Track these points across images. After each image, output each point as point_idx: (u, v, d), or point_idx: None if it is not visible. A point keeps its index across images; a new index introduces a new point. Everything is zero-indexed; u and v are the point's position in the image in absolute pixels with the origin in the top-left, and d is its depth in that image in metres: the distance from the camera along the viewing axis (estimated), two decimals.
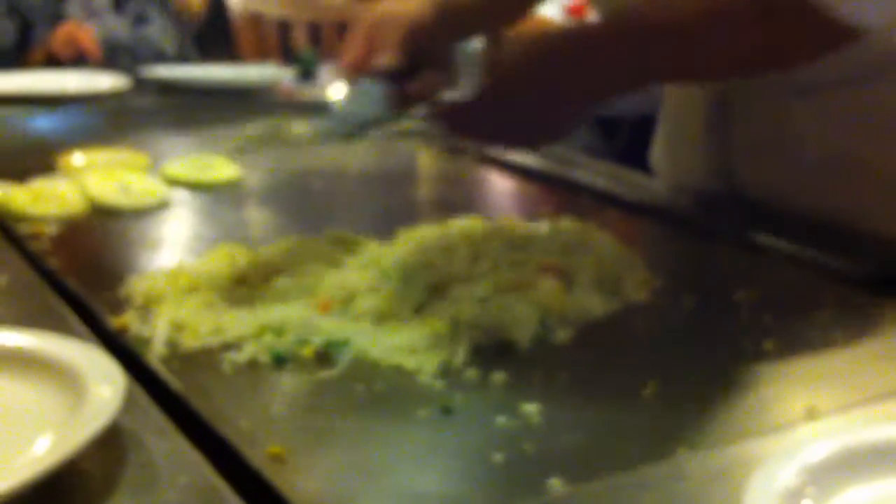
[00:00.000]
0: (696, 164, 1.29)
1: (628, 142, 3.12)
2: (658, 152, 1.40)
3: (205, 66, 2.37)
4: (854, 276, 1.01)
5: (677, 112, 1.34)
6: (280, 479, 0.62)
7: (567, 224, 1.10)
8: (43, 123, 1.81)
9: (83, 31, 2.50)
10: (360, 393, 0.75)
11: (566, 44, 0.98)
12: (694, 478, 0.60)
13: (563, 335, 0.85)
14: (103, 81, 2.05)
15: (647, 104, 2.75)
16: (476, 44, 2.36)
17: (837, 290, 0.99)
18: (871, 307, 0.95)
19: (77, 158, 1.42)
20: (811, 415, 0.70)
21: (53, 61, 2.47)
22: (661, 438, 0.68)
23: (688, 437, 0.67)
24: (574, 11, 2.52)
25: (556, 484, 0.61)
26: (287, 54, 3.04)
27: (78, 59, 2.45)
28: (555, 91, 0.97)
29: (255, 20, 3.30)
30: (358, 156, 1.69)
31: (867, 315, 0.94)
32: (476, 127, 1.04)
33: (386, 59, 1.07)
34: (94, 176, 1.31)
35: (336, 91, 1.12)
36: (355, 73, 1.09)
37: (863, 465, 0.55)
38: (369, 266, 0.93)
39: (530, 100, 0.97)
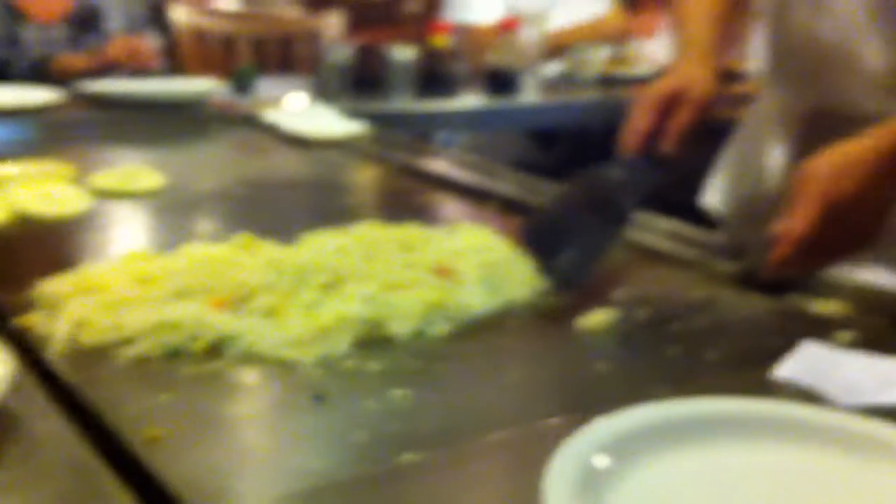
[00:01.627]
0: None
1: (565, 154, 3.20)
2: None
3: (138, 79, 2.41)
4: (721, 274, 1.09)
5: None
6: (154, 458, 0.67)
7: (463, 228, 1.16)
8: None
9: (141, 42, 2.66)
10: (244, 383, 0.81)
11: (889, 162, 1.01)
12: (531, 445, 0.66)
13: (442, 330, 0.92)
14: (38, 95, 2.09)
15: (585, 117, 2.85)
16: (408, 55, 2.45)
17: (707, 285, 1.07)
18: (734, 300, 1.03)
19: (3, 170, 1.46)
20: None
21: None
22: (514, 414, 0.74)
23: (543, 412, 0.74)
24: (506, 26, 2.60)
25: (408, 457, 0.67)
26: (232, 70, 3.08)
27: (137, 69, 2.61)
28: (883, 208, 1.02)
29: (199, 35, 3.34)
30: (283, 165, 1.75)
31: (730, 306, 1.03)
32: (812, 258, 1.02)
33: (671, 148, 1.13)
34: (19, 186, 1.36)
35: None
36: (637, 147, 1.13)
37: (661, 437, 0.62)
38: (267, 267, 0.98)
39: (865, 220, 1.01)
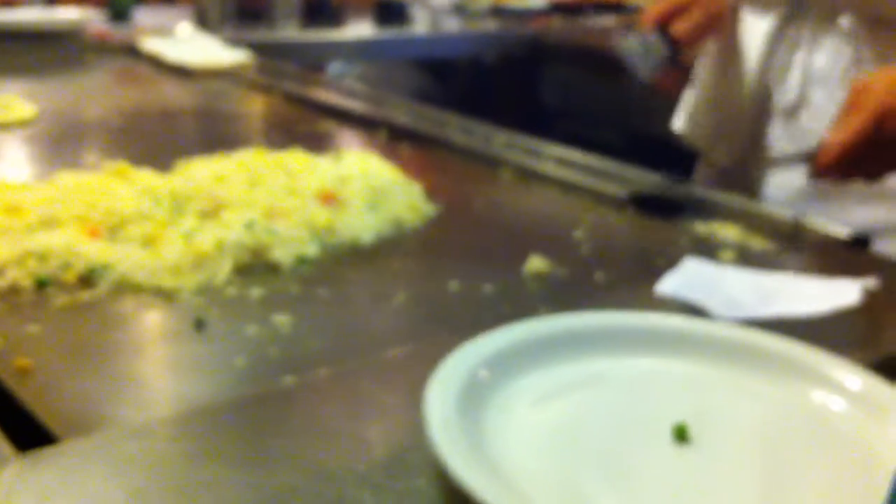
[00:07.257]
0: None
1: (462, 86, 3.17)
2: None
3: (7, 9, 2.29)
4: (608, 199, 1.10)
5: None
6: (24, 390, 0.64)
7: (349, 155, 1.14)
8: None
9: None
10: (119, 312, 0.78)
11: None
12: (416, 363, 0.65)
13: (328, 255, 0.90)
14: None
15: (477, 49, 2.82)
16: None
17: (596, 210, 1.08)
18: (623, 224, 1.04)
19: None
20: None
21: None
22: (399, 335, 0.73)
23: (428, 332, 0.73)
24: None
25: (289, 380, 0.65)
26: None
27: None
28: None
29: None
30: (164, 95, 1.69)
31: (619, 230, 1.03)
32: (860, 167, 1.03)
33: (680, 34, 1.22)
34: None
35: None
36: (651, 24, 1.22)
37: (540, 351, 0.62)
38: (143, 195, 0.95)
39: None
